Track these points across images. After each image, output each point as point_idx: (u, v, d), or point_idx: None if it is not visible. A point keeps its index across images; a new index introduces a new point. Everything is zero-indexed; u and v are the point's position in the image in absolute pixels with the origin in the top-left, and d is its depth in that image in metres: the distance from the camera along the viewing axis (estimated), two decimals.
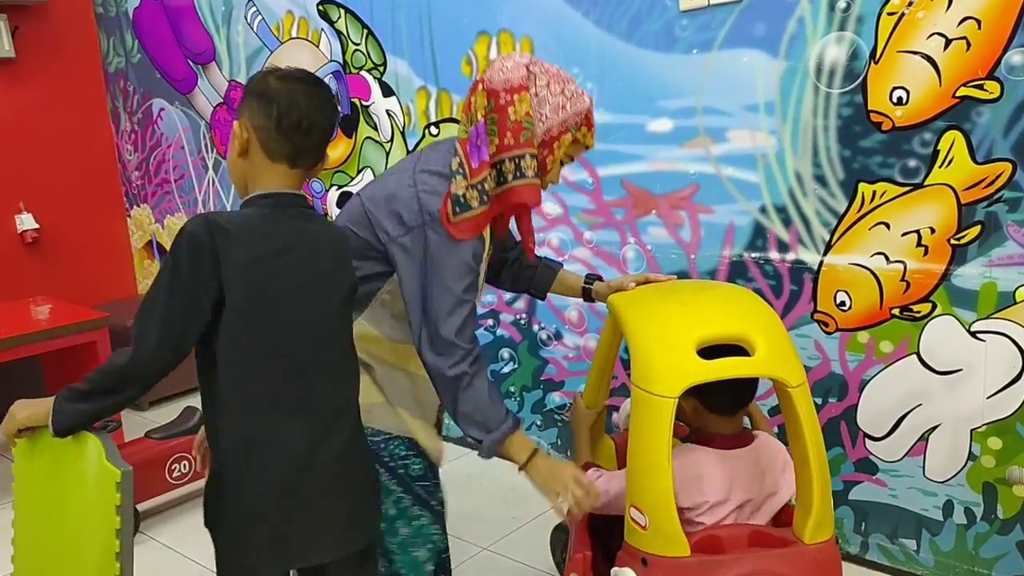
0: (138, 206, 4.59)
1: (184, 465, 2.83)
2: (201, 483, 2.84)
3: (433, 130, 3.14)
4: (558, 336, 3.00)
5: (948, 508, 2.23)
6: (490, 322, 3.16)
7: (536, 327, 3.06)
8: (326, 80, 3.40)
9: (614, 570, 1.51)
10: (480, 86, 1.51)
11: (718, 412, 1.62)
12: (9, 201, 4.18)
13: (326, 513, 1.34)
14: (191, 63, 4.01)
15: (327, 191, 3.57)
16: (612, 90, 2.63)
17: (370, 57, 3.26)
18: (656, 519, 1.46)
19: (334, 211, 3.56)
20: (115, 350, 1.29)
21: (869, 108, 2.15)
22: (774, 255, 2.40)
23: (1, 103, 4.10)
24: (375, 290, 1.60)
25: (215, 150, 4.05)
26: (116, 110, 4.53)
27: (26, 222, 4.22)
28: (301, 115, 1.30)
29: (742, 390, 1.62)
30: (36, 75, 4.22)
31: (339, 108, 3.20)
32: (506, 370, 3.15)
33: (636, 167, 2.65)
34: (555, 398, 3.07)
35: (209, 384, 1.29)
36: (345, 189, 3.50)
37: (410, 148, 3.23)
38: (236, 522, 1.29)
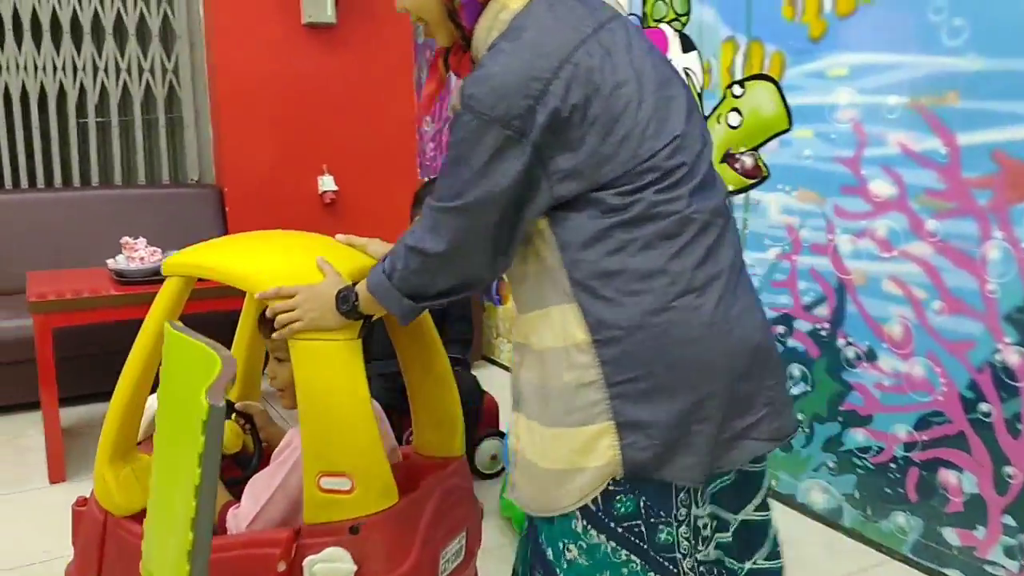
0: (428, 178, 4.55)
1: None
2: None
3: (736, 90, 2.60)
4: (871, 356, 2.30)
5: None
6: (781, 329, 2.53)
7: (841, 341, 2.38)
8: None
9: (308, 560, 1.33)
10: None
11: None
12: (314, 163, 4.32)
13: None
14: None
15: None
16: (982, 29, 1.91)
17: (673, 6, 2.80)
18: (366, 474, 1.36)
19: None
20: None
21: None
22: None
23: (320, 68, 4.24)
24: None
25: None
26: (420, 80, 4.53)
27: (327, 183, 4.33)
28: None
29: None
30: (352, 43, 4.31)
31: None
32: (794, 391, 2.50)
33: (1018, 132, 1.91)
34: (857, 436, 2.36)
35: None
36: None
37: (706, 112, 2.71)
38: None
